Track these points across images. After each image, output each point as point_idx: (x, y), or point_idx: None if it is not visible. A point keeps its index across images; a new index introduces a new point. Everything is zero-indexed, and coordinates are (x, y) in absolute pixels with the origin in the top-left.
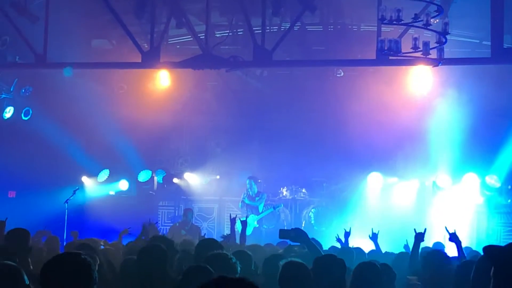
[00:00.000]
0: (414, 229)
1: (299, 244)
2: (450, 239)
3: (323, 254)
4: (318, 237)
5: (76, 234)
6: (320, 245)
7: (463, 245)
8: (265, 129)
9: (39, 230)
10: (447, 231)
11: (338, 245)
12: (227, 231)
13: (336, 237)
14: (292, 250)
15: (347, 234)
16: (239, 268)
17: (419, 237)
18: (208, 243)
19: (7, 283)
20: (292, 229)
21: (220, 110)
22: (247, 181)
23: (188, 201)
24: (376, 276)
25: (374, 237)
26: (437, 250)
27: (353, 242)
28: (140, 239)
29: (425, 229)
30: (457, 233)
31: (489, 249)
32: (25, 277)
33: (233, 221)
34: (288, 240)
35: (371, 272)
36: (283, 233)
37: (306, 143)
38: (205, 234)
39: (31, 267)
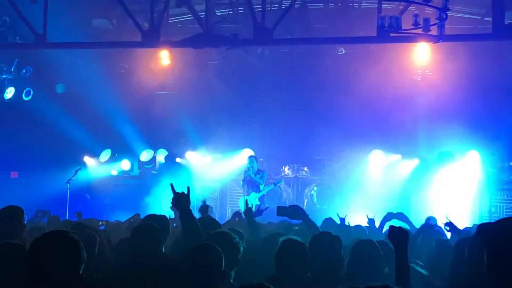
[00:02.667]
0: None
1: (298, 222)
2: (448, 229)
3: (320, 231)
4: (320, 216)
5: (80, 214)
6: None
7: (467, 224)
8: (267, 107)
9: (38, 209)
10: (447, 220)
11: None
12: (229, 210)
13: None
14: (292, 229)
15: (371, 221)
16: (242, 248)
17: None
18: (206, 222)
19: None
20: (290, 206)
21: (221, 89)
22: (248, 160)
23: (190, 180)
24: (373, 253)
25: (371, 222)
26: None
27: (354, 220)
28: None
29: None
30: (454, 222)
31: (482, 227)
32: None
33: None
34: (286, 217)
35: (368, 249)
36: (281, 210)
37: (308, 121)
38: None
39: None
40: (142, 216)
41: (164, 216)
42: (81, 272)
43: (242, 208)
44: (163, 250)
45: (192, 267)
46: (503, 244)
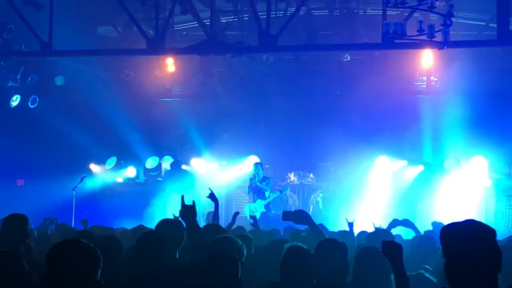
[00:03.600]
0: None
1: (304, 228)
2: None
3: (326, 236)
4: (326, 222)
5: (87, 222)
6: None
7: None
8: (272, 114)
9: (46, 217)
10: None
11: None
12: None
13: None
14: (300, 236)
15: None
16: (245, 251)
17: None
18: (212, 229)
19: (6, 270)
20: (295, 210)
21: (226, 96)
22: (254, 167)
23: (196, 187)
24: (379, 260)
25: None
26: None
27: (360, 226)
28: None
29: None
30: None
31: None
32: (25, 264)
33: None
34: (291, 222)
35: (373, 255)
36: (286, 215)
37: (313, 128)
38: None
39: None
40: (146, 225)
41: (178, 222)
42: (98, 278)
43: (247, 214)
44: (177, 256)
45: (210, 275)
46: (461, 248)
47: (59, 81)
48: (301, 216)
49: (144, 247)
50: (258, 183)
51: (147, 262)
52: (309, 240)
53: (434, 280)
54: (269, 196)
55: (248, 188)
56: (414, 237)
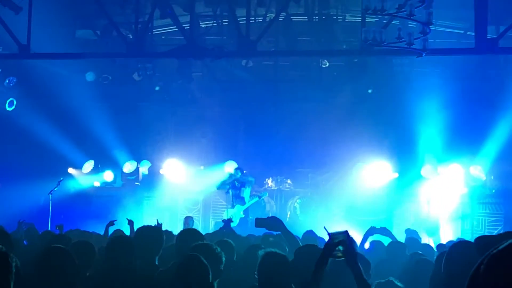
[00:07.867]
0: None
1: (274, 233)
2: None
3: (299, 242)
4: (303, 228)
5: (62, 227)
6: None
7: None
8: (251, 119)
9: (20, 220)
10: None
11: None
12: (213, 222)
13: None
14: (268, 241)
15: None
16: (224, 258)
17: None
18: (189, 234)
19: None
20: (268, 217)
21: (205, 101)
22: (234, 171)
23: (173, 192)
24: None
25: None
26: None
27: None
28: None
29: None
30: None
31: (481, 240)
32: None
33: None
34: (264, 229)
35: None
36: (259, 222)
37: (291, 134)
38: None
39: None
40: (124, 230)
41: (158, 227)
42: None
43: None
44: (156, 262)
45: (180, 280)
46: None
47: (89, 77)
48: (274, 222)
49: (113, 252)
50: (238, 176)
51: (116, 267)
52: (277, 245)
53: (403, 286)
54: (248, 202)
55: (228, 184)
56: (389, 244)
